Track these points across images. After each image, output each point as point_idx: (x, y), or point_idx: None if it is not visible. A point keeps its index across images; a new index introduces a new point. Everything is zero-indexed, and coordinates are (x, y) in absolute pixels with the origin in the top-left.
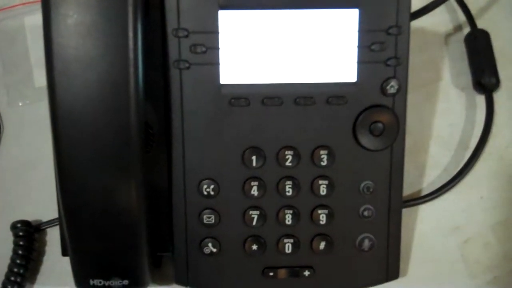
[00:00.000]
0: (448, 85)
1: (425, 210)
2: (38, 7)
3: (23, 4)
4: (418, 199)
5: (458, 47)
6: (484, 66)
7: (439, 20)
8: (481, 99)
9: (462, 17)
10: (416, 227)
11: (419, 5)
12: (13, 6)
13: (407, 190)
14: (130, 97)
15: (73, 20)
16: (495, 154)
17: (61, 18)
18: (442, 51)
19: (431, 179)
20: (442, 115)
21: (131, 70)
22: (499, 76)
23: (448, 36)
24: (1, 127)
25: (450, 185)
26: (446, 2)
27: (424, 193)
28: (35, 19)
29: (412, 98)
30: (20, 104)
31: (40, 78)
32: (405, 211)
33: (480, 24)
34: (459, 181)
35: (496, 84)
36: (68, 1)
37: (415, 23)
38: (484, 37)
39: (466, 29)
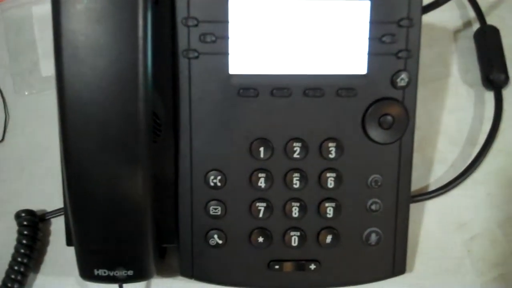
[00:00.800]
0: (457, 81)
1: (432, 206)
2: None
3: None
4: (425, 195)
5: (467, 43)
6: (493, 63)
7: (448, 16)
8: (489, 96)
9: (471, 13)
10: (422, 222)
11: None
12: None
13: (414, 185)
14: (138, 85)
15: (83, 6)
16: (503, 150)
17: (70, 4)
18: (451, 47)
19: (438, 175)
20: (450, 111)
21: (140, 58)
22: (508, 72)
23: (457, 32)
24: (7, 115)
25: (458, 181)
26: None
27: (431, 188)
28: (43, 8)
29: (421, 94)
30: (26, 93)
31: (46, 68)
32: (412, 207)
33: (490, 20)
34: (466, 177)
35: (505, 80)
36: None
37: (424, 19)
38: (493, 33)
39: (476, 25)
